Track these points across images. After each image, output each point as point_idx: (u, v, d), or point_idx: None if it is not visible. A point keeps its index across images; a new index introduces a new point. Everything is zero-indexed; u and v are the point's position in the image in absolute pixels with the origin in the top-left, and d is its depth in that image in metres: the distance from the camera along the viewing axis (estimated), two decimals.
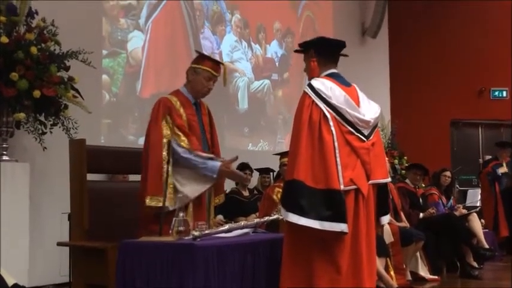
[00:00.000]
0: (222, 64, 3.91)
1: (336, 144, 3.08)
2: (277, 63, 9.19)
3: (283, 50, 9.27)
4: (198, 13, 7.76)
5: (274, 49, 9.15)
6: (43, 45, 4.69)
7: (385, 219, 3.47)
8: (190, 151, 3.61)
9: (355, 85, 3.39)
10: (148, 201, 3.49)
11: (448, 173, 7.63)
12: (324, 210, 2.98)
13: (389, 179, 3.42)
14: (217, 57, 7.90)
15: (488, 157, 9.58)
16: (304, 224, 2.97)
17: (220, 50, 8.08)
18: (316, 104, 3.13)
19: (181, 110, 3.71)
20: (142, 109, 6.77)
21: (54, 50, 4.79)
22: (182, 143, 3.62)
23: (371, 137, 3.25)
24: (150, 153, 3.57)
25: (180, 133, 3.65)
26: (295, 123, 3.16)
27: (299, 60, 3.60)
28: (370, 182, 3.21)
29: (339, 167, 3.06)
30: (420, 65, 11.53)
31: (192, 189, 3.61)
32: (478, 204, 9.15)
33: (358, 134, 3.18)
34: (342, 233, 2.99)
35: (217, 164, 3.62)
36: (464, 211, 7.40)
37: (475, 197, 9.52)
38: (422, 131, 11.23)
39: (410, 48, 11.51)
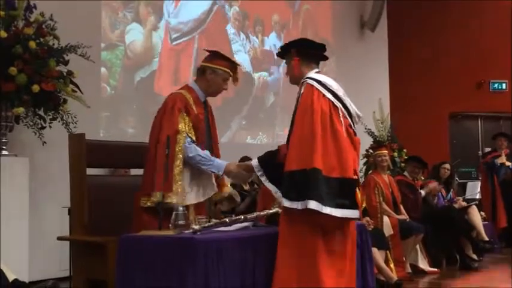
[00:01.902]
0: (239, 65, 3.90)
1: (345, 135, 3.14)
2: (275, 56, 9.16)
3: (282, 42, 9.25)
4: None
5: (272, 41, 9.13)
6: (42, 39, 4.68)
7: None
8: (199, 149, 3.59)
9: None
10: (158, 197, 3.42)
11: (447, 166, 7.63)
12: (340, 199, 3.02)
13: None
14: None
15: (487, 149, 9.59)
16: (327, 213, 2.98)
17: None
18: (325, 96, 3.15)
19: (194, 108, 3.68)
20: (140, 102, 6.77)
21: (53, 44, 4.78)
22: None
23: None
24: (160, 147, 3.48)
25: (192, 131, 3.62)
26: (305, 115, 3.13)
27: None
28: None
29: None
30: (419, 58, 11.51)
31: (194, 196, 3.61)
32: (478, 196, 9.16)
33: (353, 129, 3.26)
34: (354, 219, 3.12)
35: (223, 162, 3.63)
36: (464, 204, 7.41)
37: (474, 189, 9.53)
38: (422, 124, 11.21)
39: (410, 41, 11.48)
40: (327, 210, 2.98)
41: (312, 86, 3.18)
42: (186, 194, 3.52)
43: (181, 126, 3.55)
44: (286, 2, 9.43)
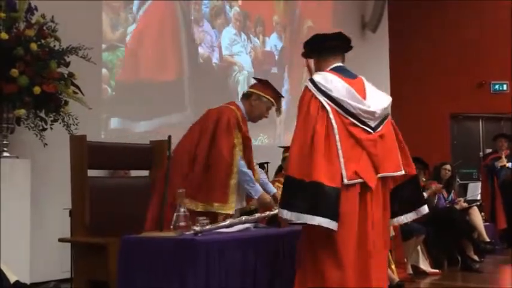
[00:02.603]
0: (283, 97, 4.14)
1: (337, 137, 3.01)
2: (276, 57, 9.18)
3: (283, 43, 9.26)
4: (196, 6, 7.74)
5: (273, 42, 9.13)
6: (43, 41, 4.68)
7: (425, 208, 3.34)
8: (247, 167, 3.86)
9: (362, 77, 3.33)
10: (217, 208, 3.69)
11: (448, 167, 7.62)
12: (304, 203, 2.90)
13: (402, 172, 3.24)
14: (216, 51, 7.93)
15: (488, 150, 9.59)
16: (288, 218, 2.94)
17: (219, 43, 8.07)
18: (316, 97, 3.08)
19: (242, 125, 3.90)
20: (141, 101, 6.77)
21: (54, 46, 4.78)
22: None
23: (379, 129, 3.16)
24: (222, 162, 3.72)
25: (242, 147, 3.87)
26: (297, 118, 3.12)
27: (299, 53, 3.58)
28: (380, 175, 3.12)
29: (342, 160, 2.99)
30: (420, 59, 11.51)
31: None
32: (479, 197, 9.15)
33: (364, 126, 3.11)
34: (324, 228, 2.88)
35: (260, 189, 3.89)
36: (465, 205, 7.40)
37: (475, 190, 9.51)
38: (423, 125, 11.21)
39: (411, 42, 11.48)
40: (283, 212, 2.95)
41: (307, 87, 3.15)
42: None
43: (236, 141, 3.80)
44: (286, 2, 9.43)
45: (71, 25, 5.27)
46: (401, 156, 3.27)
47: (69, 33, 4.91)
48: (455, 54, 11.50)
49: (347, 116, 3.08)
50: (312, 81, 3.15)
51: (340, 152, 3.00)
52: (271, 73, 8.93)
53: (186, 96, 7.38)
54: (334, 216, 2.89)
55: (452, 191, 7.56)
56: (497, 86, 11.78)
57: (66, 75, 4.77)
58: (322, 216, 2.87)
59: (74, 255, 4.05)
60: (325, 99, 3.08)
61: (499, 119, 12.11)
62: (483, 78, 11.67)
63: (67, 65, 4.81)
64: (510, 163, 8.51)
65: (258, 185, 3.89)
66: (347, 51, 3.43)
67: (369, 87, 3.27)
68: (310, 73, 3.37)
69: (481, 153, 11.26)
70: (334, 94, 3.09)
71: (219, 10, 8.13)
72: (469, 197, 8.76)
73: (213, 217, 3.62)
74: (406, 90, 11.32)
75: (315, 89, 3.11)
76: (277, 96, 4.07)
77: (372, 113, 3.13)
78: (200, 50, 7.71)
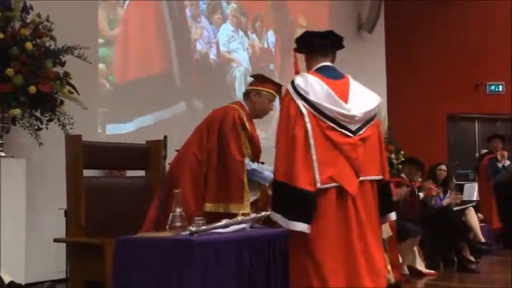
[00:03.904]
0: (282, 86, 4.03)
1: (312, 141, 2.98)
2: (273, 53, 9.17)
3: (279, 40, 9.24)
4: (194, 2, 7.73)
5: (270, 39, 9.12)
6: (38, 40, 4.67)
7: (393, 215, 3.34)
8: (253, 161, 3.93)
9: (349, 77, 3.28)
10: (232, 208, 3.73)
11: (443, 167, 7.63)
12: (289, 208, 2.96)
13: (380, 176, 3.20)
14: (214, 47, 7.92)
15: (484, 151, 9.63)
16: (278, 221, 3.01)
17: (217, 39, 8.06)
18: (294, 101, 3.06)
19: (247, 125, 3.93)
20: (139, 98, 6.75)
21: (50, 45, 4.77)
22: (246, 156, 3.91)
23: (361, 132, 3.12)
24: (235, 161, 3.77)
25: (249, 145, 3.93)
26: (278, 121, 3.12)
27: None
28: (362, 178, 3.08)
29: (315, 165, 2.96)
30: (417, 60, 11.53)
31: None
32: (475, 198, 9.18)
33: (342, 130, 3.06)
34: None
35: (270, 174, 3.82)
36: (459, 197, 7.45)
37: (471, 191, 9.54)
38: (419, 125, 11.23)
39: (407, 43, 11.49)
40: (273, 215, 3.04)
41: (287, 90, 3.14)
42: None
43: (242, 140, 3.85)
44: (283, 2, 9.40)
45: (67, 19, 5.26)
46: (381, 160, 3.24)
47: (65, 28, 4.90)
48: (451, 55, 11.52)
49: (324, 120, 3.05)
50: (292, 83, 3.13)
51: (314, 156, 2.98)
52: (269, 70, 8.91)
53: (183, 92, 7.37)
54: (310, 220, 2.94)
55: (449, 191, 7.57)
56: (493, 87, 11.80)
57: (61, 75, 4.76)
58: (304, 222, 2.92)
59: (69, 256, 4.04)
60: (303, 102, 3.05)
61: (495, 119, 12.14)
62: (479, 79, 11.70)
63: (63, 64, 4.79)
64: (507, 162, 8.57)
65: (266, 172, 3.92)
66: (339, 50, 3.39)
67: (355, 88, 3.22)
68: (296, 69, 3.41)
69: (477, 154, 11.28)
70: (311, 97, 3.05)
71: (216, 6, 8.11)
72: (465, 197, 8.79)
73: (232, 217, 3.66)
74: (403, 91, 11.33)
75: (293, 91, 3.09)
76: (277, 87, 4.08)
77: (351, 117, 3.08)
78: (198, 46, 7.71)
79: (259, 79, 4.11)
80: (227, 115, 3.87)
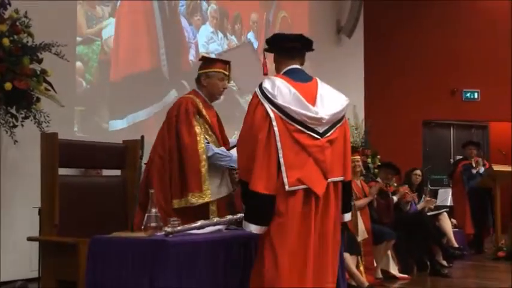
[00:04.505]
0: (229, 62, 4.02)
1: (279, 144, 3.02)
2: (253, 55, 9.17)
3: (259, 41, 9.24)
4: (173, 3, 7.71)
5: (251, 40, 9.12)
6: (15, 36, 4.63)
7: (348, 216, 3.39)
8: (214, 147, 3.81)
9: (317, 79, 3.31)
10: (191, 198, 3.65)
11: (418, 172, 7.72)
12: (246, 209, 3.12)
13: (341, 178, 3.22)
14: (193, 48, 7.90)
15: (459, 157, 9.74)
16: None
17: (196, 40, 8.04)
18: (262, 104, 3.08)
19: (204, 111, 3.86)
20: (115, 96, 6.72)
21: (27, 42, 4.73)
22: (210, 142, 3.82)
23: (328, 134, 3.15)
24: (187, 151, 3.69)
25: (210, 132, 3.86)
26: (243, 121, 3.15)
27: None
28: (330, 179, 3.12)
29: (283, 168, 3.01)
30: (394, 65, 11.62)
31: (215, 192, 3.78)
32: (449, 203, 9.28)
33: (310, 132, 3.09)
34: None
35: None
36: (433, 201, 7.55)
37: (445, 196, 9.65)
38: (396, 130, 11.32)
39: (385, 48, 11.58)
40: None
41: (255, 93, 3.15)
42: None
43: (197, 128, 3.75)
44: (263, 2, 9.40)
45: (45, 17, 5.22)
46: (344, 161, 3.27)
47: (42, 26, 4.86)
48: (428, 62, 11.64)
49: (291, 123, 3.07)
50: (260, 87, 3.15)
51: (281, 160, 3.02)
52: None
53: (163, 91, 7.34)
54: (263, 222, 3.03)
55: (423, 196, 7.65)
56: (468, 94, 11.95)
57: (38, 72, 4.72)
58: (254, 223, 3.05)
59: (42, 254, 3.99)
60: (270, 105, 3.07)
61: (470, 126, 12.29)
62: (455, 86, 11.83)
63: (40, 61, 4.75)
64: (482, 169, 8.68)
65: (234, 154, 3.72)
66: (308, 52, 3.41)
67: (322, 91, 3.24)
68: (264, 70, 3.40)
69: (451, 160, 11.41)
70: (279, 101, 3.07)
71: (196, 7, 8.09)
72: (439, 202, 8.88)
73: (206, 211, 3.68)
74: (380, 96, 11.42)
75: (261, 95, 3.11)
76: (224, 64, 3.99)
77: (319, 119, 3.11)
78: (178, 46, 7.69)
79: (206, 61, 4.06)
80: (180, 107, 3.81)
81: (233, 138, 4.10)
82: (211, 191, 3.72)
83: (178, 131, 3.75)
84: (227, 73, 3.98)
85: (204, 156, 3.71)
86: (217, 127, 3.98)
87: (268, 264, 3.00)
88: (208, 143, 3.79)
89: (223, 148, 3.88)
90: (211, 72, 3.93)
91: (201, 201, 3.66)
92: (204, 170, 3.69)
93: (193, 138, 3.72)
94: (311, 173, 3.07)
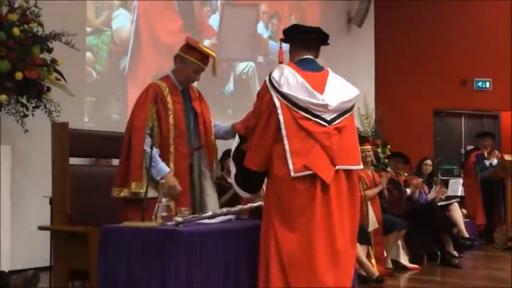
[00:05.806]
0: (212, 56, 3.76)
1: (284, 132, 3.09)
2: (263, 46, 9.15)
3: (269, 32, 9.22)
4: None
5: (260, 31, 9.09)
6: (26, 26, 4.63)
7: None
8: (153, 147, 3.52)
9: (329, 70, 3.36)
10: (134, 187, 3.51)
11: (428, 162, 7.68)
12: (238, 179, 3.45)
13: (360, 166, 3.30)
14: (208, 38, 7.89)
15: (470, 147, 9.67)
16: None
17: (212, 27, 8.04)
18: (269, 92, 3.19)
19: (169, 97, 3.68)
20: (126, 88, 6.73)
21: (37, 31, 4.73)
22: (156, 135, 3.60)
23: (336, 122, 3.18)
24: (132, 138, 3.55)
25: (160, 123, 3.62)
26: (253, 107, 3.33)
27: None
28: (339, 167, 3.12)
29: (288, 154, 3.06)
30: (405, 55, 11.55)
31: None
32: (460, 193, 9.23)
33: (317, 119, 3.13)
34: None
35: (166, 170, 3.55)
36: (444, 191, 7.51)
37: (456, 186, 9.60)
38: (406, 121, 11.27)
39: (396, 38, 11.51)
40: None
41: (265, 81, 3.24)
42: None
43: (150, 116, 3.58)
44: None
45: (55, 8, 5.21)
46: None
47: (52, 16, 4.86)
48: (439, 51, 11.56)
49: (297, 110, 3.13)
50: (269, 76, 3.23)
51: (287, 147, 3.08)
52: (257, 62, 8.89)
53: None
54: (252, 192, 3.55)
55: (434, 186, 7.61)
56: (480, 84, 11.86)
57: (49, 61, 4.72)
58: (243, 189, 3.49)
59: (53, 244, 4.01)
60: (276, 94, 3.16)
61: (482, 116, 12.21)
62: (466, 75, 11.75)
63: (50, 51, 4.76)
64: (495, 161, 8.61)
65: (161, 164, 3.53)
66: (323, 45, 3.45)
67: (333, 80, 3.30)
68: (280, 59, 3.48)
69: (462, 150, 11.35)
70: (284, 89, 3.15)
71: None
72: (450, 193, 8.84)
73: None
74: (391, 86, 11.36)
75: (269, 84, 3.20)
76: (202, 56, 3.71)
77: (324, 106, 3.15)
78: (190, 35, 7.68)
79: (187, 46, 3.73)
80: (141, 93, 3.68)
81: (217, 121, 3.95)
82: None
83: (131, 118, 3.64)
84: (204, 67, 3.74)
85: (151, 144, 3.49)
86: (179, 115, 3.69)
87: (271, 245, 3.05)
88: (151, 135, 3.55)
89: (155, 152, 3.55)
90: (188, 59, 3.70)
91: (138, 190, 3.47)
92: (147, 159, 3.48)
93: (142, 126, 3.54)
94: (317, 159, 3.09)
